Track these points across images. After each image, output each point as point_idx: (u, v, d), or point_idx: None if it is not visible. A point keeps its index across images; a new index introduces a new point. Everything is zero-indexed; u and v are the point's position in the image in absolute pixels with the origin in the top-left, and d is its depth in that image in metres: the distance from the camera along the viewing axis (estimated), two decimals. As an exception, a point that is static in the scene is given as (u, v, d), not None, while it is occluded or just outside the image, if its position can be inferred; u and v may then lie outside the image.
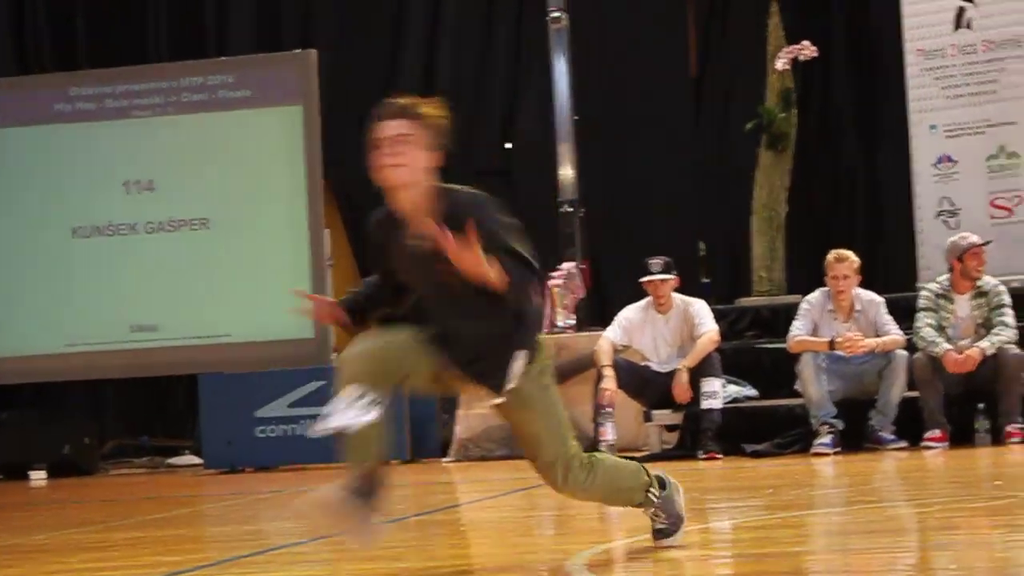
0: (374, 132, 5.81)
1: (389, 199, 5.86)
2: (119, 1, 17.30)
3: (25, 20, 17.33)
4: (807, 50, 13.83)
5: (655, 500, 6.30)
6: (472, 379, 5.99)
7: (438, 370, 5.98)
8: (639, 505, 6.34)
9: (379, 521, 5.95)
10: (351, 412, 5.78)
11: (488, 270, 5.64)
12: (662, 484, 6.35)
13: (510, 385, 5.90)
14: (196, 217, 15.25)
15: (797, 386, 11.96)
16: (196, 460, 14.99)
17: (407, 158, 5.75)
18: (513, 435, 6.42)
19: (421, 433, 13.90)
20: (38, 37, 17.31)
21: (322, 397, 13.56)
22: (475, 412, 13.49)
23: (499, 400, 5.95)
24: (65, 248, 15.41)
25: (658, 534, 6.38)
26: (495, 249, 5.75)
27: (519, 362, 5.90)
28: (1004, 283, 12.13)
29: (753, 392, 12.62)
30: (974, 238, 12.11)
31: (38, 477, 14.90)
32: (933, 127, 14.18)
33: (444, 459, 13.56)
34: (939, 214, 14.06)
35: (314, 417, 14.22)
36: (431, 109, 5.87)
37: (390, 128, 5.77)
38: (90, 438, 15.50)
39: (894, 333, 11.96)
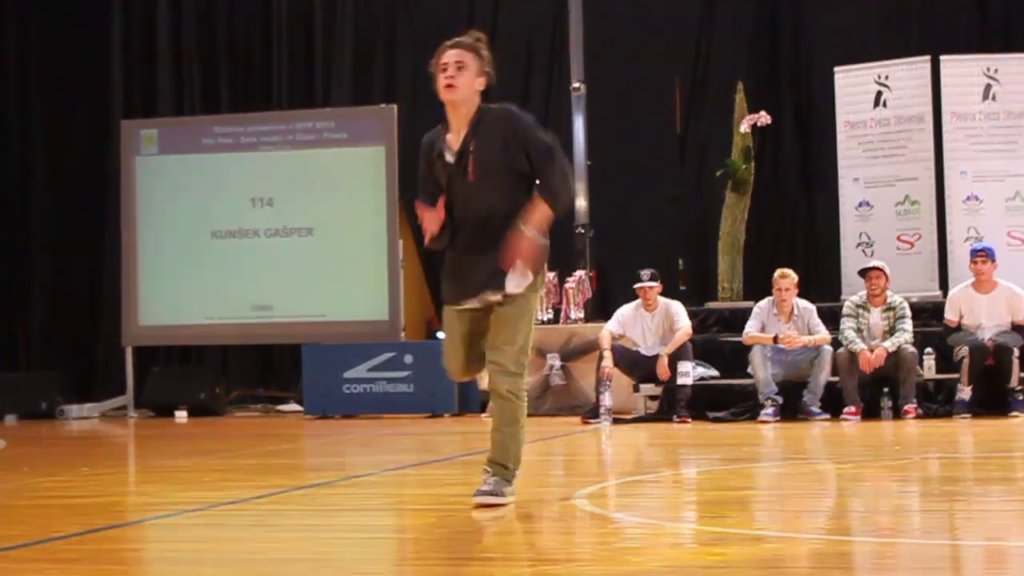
0: (439, 58, 5.73)
1: (448, 111, 5.76)
2: (252, 62, 17.33)
3: (183, 74, 17.38)
4: (764, 118, 13.82)
5: (509, 479, 5.87)
6: (491, 286, 5.71)
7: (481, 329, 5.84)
8: (500, 468, 5.85)
9: None
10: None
11: (533, 247, 5.67)
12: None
13: (515, 290, 5.70)
14: (304, 226, 15.27)
15: (749, 370, 11.96)
16: (298, 408, 14.99)
17: (463, 80, 5.70)
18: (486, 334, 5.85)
19: (466, 394, 13.87)
20: (191, 88, 17.34)
21: (393, 364, 13.74)
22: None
23: (498, 298, 5.71)
24: (206, 246, 15.44)
25: (480, 492, 5.80)
26: (540, 159, 5.70)
27: (527, 277, 5.73)
28: (906, 298, 12.12)
29: (715, 373, 12.60)
30: (870, 264, 12.21)
31: (180, 416, 14.91)
32: (856, 179, 14.17)
33: (483, 414, 13.53)
34: (858, 245, 14.05)
35: (388, 380, 14.28)
36: (481, 44, 5.81)
37: (451, 55, 5.71)
38: (219, 388, 15.53)
39: (823, 333, 11.95)
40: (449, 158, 5.78)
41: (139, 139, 15.76)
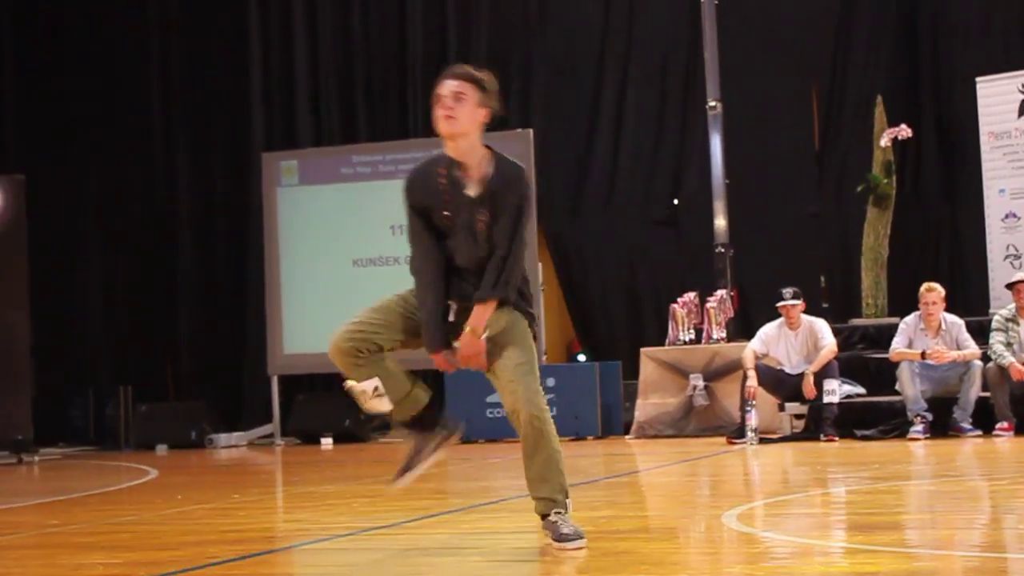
0: (437, 89, 5.34)
1: (446, 146, 5.39)
2: (388, 92, 17.55)
3: (321, 107, 17.66)
4: (904, 131, 13.65)
5: (565, 510, 5.43)
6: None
7: (408, 337, 5.50)
8: (550, 508, 5.39)
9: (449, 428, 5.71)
10: (375, 402, 5.46)
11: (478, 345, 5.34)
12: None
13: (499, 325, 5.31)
14: (443, 252, 15.36)
15: (896, 387, 11.82)
16: (442, 433, 15.10)
17: (461, 112, 5.30)
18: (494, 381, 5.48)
19: (609, 416, 13.91)
20: (329, 119, 17.62)
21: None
22: (650, 401, 13.49)
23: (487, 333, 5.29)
24: (347, 274, 15.65)
25: (564, 538, 5.31)
26: (504, 238, 5.30)
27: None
28: (1057, 311, 11.91)
29: (862, 390, 12.45)
30: (1016, 277, 12.02)
31: (326, 443, 15.14)
32: (1002, 191, 13.95)
33: (627, 436, 13.56)
34: (1006, 257, 13.81)
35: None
36: (484, 75, 5.38)
37: (449, 87, 5.32)
38: (364, 415, 15.67)
39: (972, 347, 11.77)
40: (470, 192, 5.38)
41: (280, 170, 16.04)
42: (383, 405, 5.51)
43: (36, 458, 14.10)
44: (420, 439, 5.67)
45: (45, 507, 8.70)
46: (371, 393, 5.46)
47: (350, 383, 5.51)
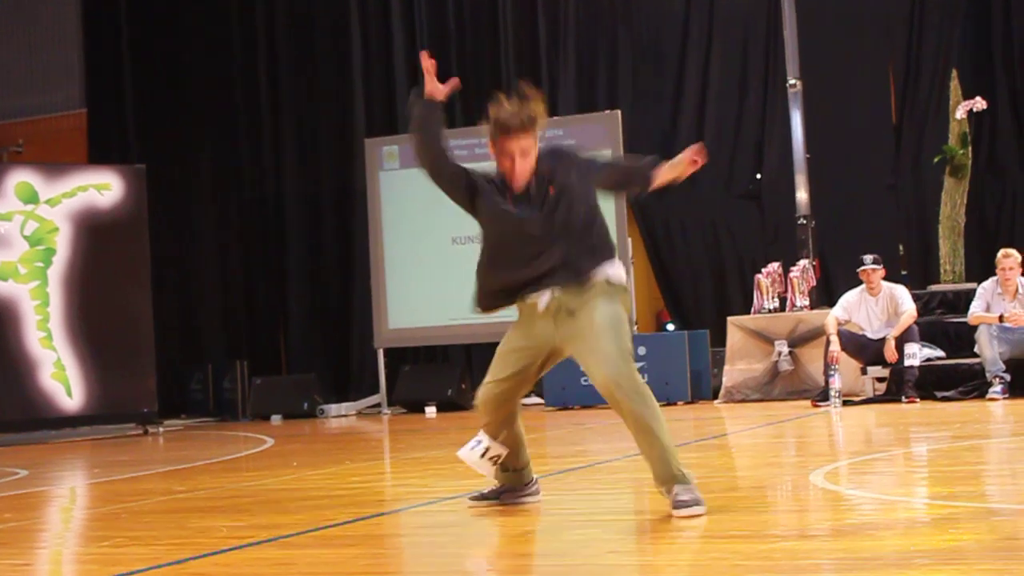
0: (504, 141, 5.32)
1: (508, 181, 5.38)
2: (482, 78, 17.57)
3: (418, 93, 17.70)
4: (979, 103, 13.46)
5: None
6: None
7: (538, 368, 5.67)
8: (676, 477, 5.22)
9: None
10: (477, 461, 5.63)
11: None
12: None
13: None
14: (537, 229, 15.38)
15: (975, 349, 11.70)
16: (539, 400, 15.16)
17: (529, 161, 5.34)
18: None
19: (698, 382, 13.87)
20: (427, 105, 17.65)
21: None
22: (737, 367, 13.44)
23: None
24: (447, 251, 15.70)
25: (683, 504, 5.15)
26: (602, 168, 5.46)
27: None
28: None
29: (941, 353, 12.33)
30: None
31: (430, 412, 15.22)
32: (1076, 158, 13.74)
33: (715, 401, 13.52)
34: (1081, 222, 13.63)
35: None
36: (540, 112, 5.36)
37: (517, 144, 5.31)
38: (465, 384, 15.77)
39: (1048, 310, 11.65)
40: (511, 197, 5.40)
41: (382, 155, 16.13)
42: (488, 471, 5.66)
43: (160, 430, 14.35)
44: (511, 491, 5.84)
45: (172, 474, 8.87)
46: (491, 456, 5.64)
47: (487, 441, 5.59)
